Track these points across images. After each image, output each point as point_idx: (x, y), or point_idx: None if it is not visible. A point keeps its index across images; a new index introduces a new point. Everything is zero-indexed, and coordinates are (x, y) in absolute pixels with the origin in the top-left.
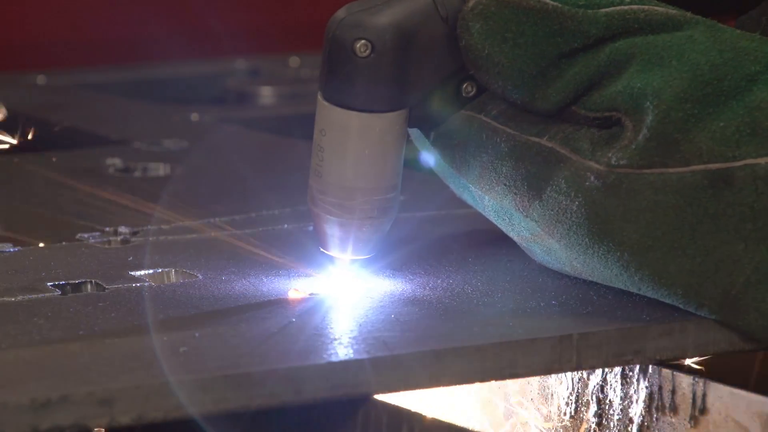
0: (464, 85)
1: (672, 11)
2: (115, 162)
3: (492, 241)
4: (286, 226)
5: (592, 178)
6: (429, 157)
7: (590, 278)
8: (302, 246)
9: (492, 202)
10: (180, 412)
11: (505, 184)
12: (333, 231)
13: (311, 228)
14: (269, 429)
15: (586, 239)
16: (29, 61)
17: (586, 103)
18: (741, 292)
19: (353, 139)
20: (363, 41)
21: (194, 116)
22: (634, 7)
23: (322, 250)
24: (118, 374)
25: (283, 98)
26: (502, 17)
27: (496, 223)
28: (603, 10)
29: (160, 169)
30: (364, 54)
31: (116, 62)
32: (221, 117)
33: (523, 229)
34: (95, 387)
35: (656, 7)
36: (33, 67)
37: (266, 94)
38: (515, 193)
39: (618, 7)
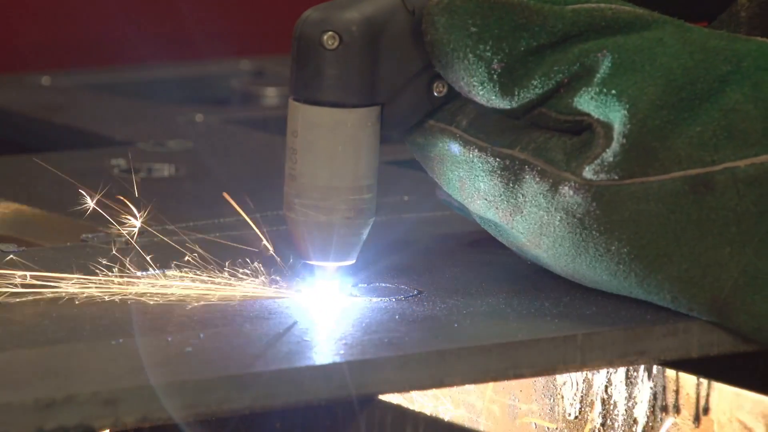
0: (435, 84)
1: (639, 10)
2: (119, 163)
3: (494, 242)
4: None
5: (572, 192)
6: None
7: (581, 282)
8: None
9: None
10: (185, 412)
11: (485, 199)
12: (310, 235)
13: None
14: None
15: (572, 251)
16: (34, 62)
17: (556, 105)
18: (730, 296)
19: (325, 136)
20: (330, 33)
21: (199, 117)
22: (602, 5)
23: (302, 260)
24: (123, 375)
25: (287, 99)
26: (467, 11)
27: (485, 228)
28: (569, 6)
29: (165, 170)
30: (332, 46)
31: (120, 63)
32: (226, 118)
33: (510, 236)
34: (100, 387)
35: (623, 6)
36: (37, 68)
37: (271, 94)
38: (497, 208)
39: (585, 5)
